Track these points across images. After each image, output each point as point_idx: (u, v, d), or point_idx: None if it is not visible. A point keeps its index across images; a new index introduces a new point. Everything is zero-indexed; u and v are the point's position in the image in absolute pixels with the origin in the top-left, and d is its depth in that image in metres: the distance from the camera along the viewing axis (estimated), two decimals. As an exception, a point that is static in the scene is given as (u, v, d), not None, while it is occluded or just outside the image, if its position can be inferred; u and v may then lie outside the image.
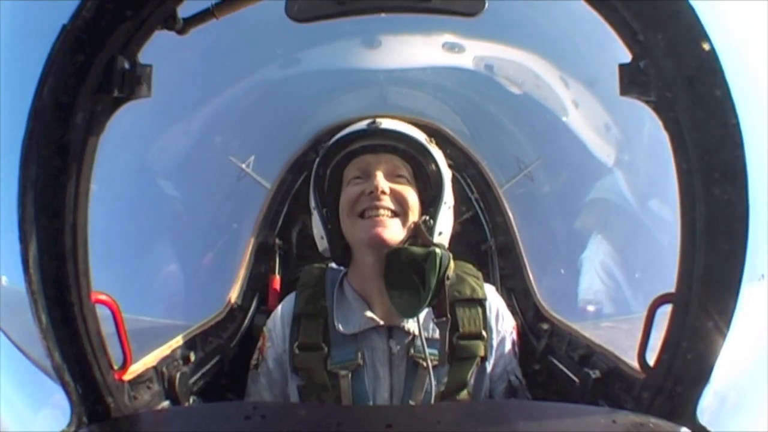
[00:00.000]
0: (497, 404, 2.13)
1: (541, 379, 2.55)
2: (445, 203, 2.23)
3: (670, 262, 1.48)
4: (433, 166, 2.25)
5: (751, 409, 2.00)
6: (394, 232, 2.11)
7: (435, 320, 2.08)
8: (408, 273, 2.02)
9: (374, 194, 2.11)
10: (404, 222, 2.14)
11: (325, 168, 2.30)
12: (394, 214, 2.13)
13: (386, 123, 2.26)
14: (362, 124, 2.28)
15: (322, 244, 2.32)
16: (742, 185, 1.28)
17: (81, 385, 1.42)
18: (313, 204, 2.33)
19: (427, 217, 2.18)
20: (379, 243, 2.09)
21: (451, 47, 3.26)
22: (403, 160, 2.25)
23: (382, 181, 2.14)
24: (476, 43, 3.31)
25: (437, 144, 2.36)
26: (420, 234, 2.14)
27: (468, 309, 2.29)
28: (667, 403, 1.47)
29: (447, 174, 2.30)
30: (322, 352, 2.20)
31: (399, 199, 2.15)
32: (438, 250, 2.02)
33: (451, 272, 2.03)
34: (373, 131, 2.24)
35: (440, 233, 2.21)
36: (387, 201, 2.13)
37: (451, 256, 2.05)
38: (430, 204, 2.23)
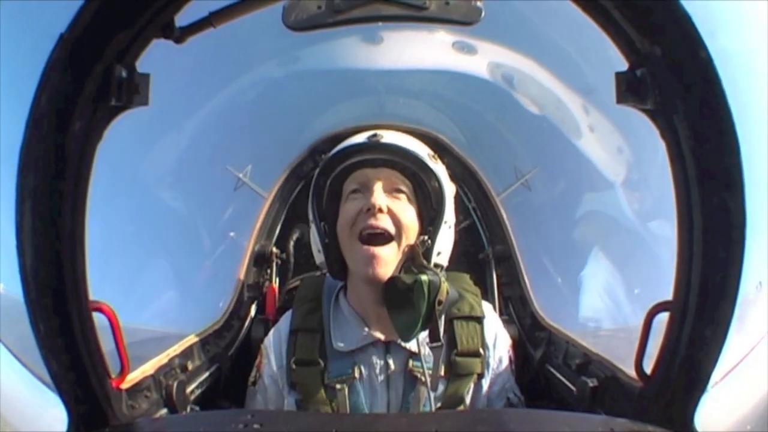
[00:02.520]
0: (495, 412, 2.13)
1: (538, 388, 2.55)
2: (445, 222, 2.20)
3: (667, 272, 1.48)
4: (435, 183, 2.21)
5: (749, 416, 1.99)
6: (390, 264, 2.09)
7: (429, 344, 2.09)
8: (404, 299, 2.02)
9: (371, 211, 2.10)
10: (401, 244, 2.13)
11: (324, 180, 2.28)
12: (390, 237, 2.11)
13: (387, 137, 2.23)
14: (363, 137, 2.25)
15: (319, 257, 2.31)
16: (739, 193, 1.28)
17: (78, 394, 1.41)
18: (311, 216, 2.31)
19: (426, 237, 2.17)
20: (376, 281, 2.09)
21: (460, 47, 3.27)
22: (403, 175, 2.21)
23: (379, 197, 2.12)
24: (480, 46, 3.32)
25: (440, 159, 2.34)
26: (416, 257, 2.11)
27: (466, 326, 2.29)
28: (664, 411, 1.46)
29: (449, 191, 2.26)
30: (318, 367, 2.20)
31: (396, 219, 2.12)
32: (424, 277, 2.00)
33: (443, 296, 2.01)
34: (374, 145, 2.21)
35: (439, 253, 2.19)
36: (384, 220, 2.11)
37: (442, 279, 2.03)
38: (429, 222, 2.21)
